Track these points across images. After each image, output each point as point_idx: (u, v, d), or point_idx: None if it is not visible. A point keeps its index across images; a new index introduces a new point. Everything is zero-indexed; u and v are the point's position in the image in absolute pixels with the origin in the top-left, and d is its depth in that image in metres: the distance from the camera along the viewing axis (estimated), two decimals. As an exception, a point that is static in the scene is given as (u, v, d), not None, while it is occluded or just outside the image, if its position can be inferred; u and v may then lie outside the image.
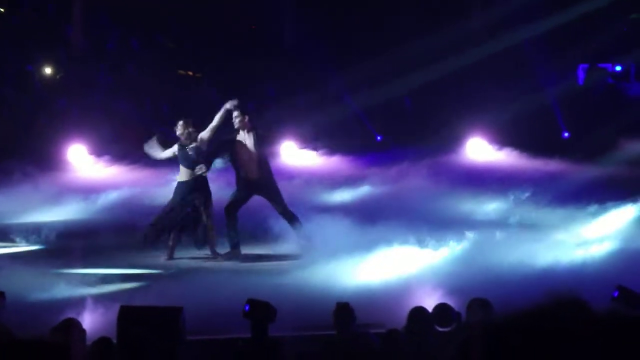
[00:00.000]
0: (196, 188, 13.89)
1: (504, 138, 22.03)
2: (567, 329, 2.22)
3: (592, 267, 12.15)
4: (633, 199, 16.70)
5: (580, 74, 24.88)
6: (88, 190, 18.32)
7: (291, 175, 18.66)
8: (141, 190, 18.28)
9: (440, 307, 8.50)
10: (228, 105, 14.01)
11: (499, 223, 16.61)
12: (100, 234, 15.80)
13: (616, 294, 8.51)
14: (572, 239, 14.52)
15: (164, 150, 14.14)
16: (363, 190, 19.16)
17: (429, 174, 19.95)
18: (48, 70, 23.04)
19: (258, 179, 14.07)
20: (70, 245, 15.39)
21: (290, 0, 24.39)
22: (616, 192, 17.35)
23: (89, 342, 7.69)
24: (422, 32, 23.02)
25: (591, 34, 23.89)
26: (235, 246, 14.00)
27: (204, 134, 13.95)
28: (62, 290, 11.29)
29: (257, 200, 14.42)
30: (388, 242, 13.32)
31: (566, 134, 23.13)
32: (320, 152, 20.97)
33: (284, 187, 14.89)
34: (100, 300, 10.28)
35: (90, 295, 10.77)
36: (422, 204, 17.27)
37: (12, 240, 15.28)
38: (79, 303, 10.15)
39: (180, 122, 14.04)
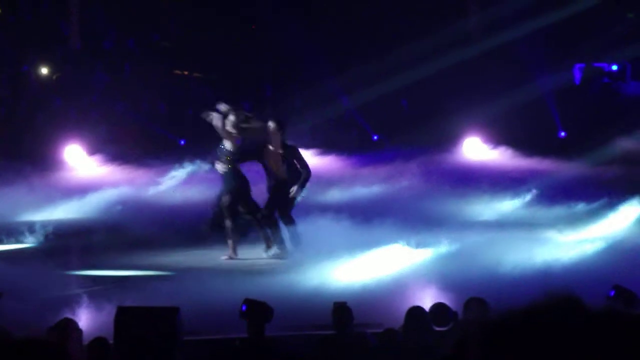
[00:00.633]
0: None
1: (499, 137, 22.05)
2: (563, 327, 2.23)
3: (588, 265, 12.16)
4: (629, 197, 16.72)
5: (577, 74, 24.88)
6: (85, 190, 18.32)
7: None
8: (138, 190, 18.29)
9: (437, 307, 8.51)
10: (271, 125, 13.81)
11: (495, 222, 16.65)
12: (97, 233, 15.79)
13: (612, 293, 8.51)
14: (568, 238, 14.54)
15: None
16: (359, 190, 19.16)
17: (425, 173, 19.97)
18: (44, 70, 23.01)
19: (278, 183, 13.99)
20: (66, 244, 15.39)
21: (288, 1, 24.37)
22: (612, 191, 17.39)
23: (85, 342, 7.69)
24: (417, 32, 23.04)
25: (587, 34, 23.90)
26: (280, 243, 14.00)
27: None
28: (59, 290, 11.27)
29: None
30: (384, 241, 13.33)
31: (562, 133, 23.15)
32: (315, 151, 20.96)
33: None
34: (97, 300, 10.27)
35: (87, 295, 10.75)
36: (418, 203, 17.29)
37: (8, 240, 15.26)
38: (75, 303, 10.14)
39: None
